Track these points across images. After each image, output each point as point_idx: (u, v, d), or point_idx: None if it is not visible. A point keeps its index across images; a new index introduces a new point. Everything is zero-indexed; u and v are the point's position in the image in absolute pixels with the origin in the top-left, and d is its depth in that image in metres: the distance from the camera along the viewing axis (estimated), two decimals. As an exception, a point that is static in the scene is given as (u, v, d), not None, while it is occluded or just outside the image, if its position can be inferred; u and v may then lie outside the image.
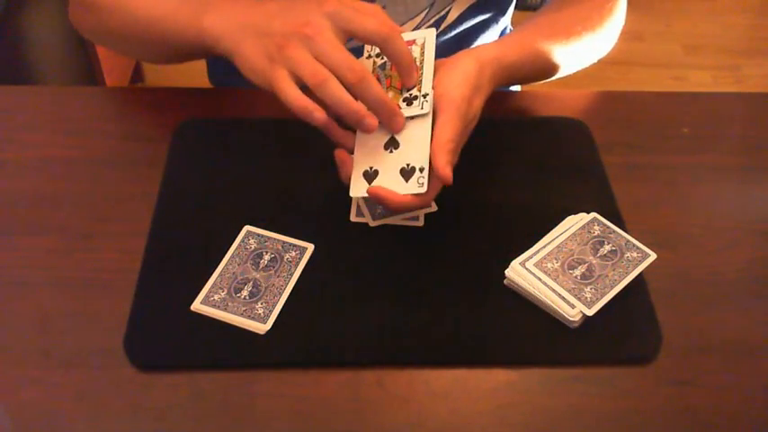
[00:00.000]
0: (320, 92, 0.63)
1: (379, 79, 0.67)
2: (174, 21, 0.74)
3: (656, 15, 2.52)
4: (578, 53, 0.83)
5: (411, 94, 0.66)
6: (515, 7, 1.00)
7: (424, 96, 0.66)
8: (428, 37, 0.69)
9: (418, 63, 0.67)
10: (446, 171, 0.62)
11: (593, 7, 0.83)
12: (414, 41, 0.69)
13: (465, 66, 0.68)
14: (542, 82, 0.86)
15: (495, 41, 0.79)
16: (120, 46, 0.87)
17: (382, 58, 0.69)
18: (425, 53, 0.68)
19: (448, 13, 0.89)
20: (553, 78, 0.85)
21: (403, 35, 0.67)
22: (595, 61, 0.87)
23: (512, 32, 0.83)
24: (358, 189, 0.65)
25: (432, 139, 0.64)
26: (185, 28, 0.73)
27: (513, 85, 0.78)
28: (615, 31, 0.87)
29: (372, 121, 0.64)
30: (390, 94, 0.67)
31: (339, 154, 0.67)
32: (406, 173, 0.64)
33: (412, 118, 0.66)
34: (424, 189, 0.63)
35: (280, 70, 0.64)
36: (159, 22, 0.76)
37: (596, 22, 0.83)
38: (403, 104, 0.66)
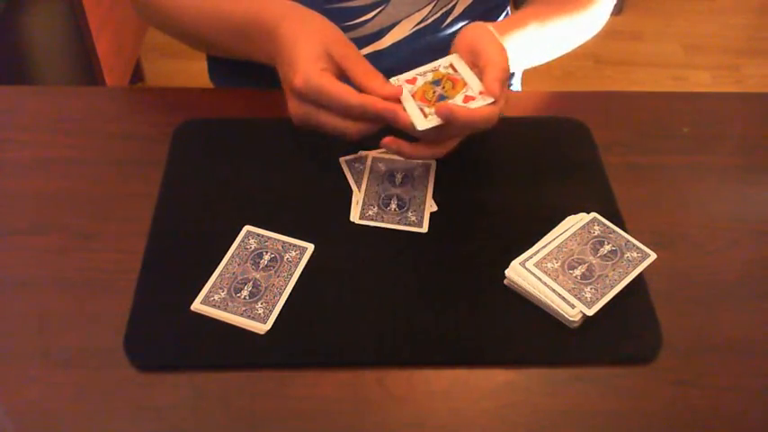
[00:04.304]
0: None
1: (435, 93, 0.71)
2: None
3: (656, 15, 2.52)
4: (571, 31, 0.87)
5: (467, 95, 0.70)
6: (515, 7, 1.01)
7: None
8: (453, 60, 0.74)
9: (456, 77, 0.72)
10: (494, 86, 0.67)
11: None
12: (438, 68, 0.73)
13: (489, 33, 0.73)
14: (542, 68, 0.89)
15: (494, 23, 0.82)
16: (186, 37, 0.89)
17: (431, 75, 0.73)
18: (458, 68, 0.72)
19: (454, 6, 0.89)
20: (550, 59, 0.88)
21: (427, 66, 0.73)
22: (589, 38, 0.90)
23: (508, 16, 0.88)
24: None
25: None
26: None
27: (516, 67, 0.80)
28: (606, 8, 0.90)
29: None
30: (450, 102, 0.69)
31: (387, 107, 0.68)
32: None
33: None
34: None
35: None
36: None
37: (587, 2, 0.87)
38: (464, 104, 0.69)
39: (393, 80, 0.72)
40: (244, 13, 0.77)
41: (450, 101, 0.69)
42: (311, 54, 0.69)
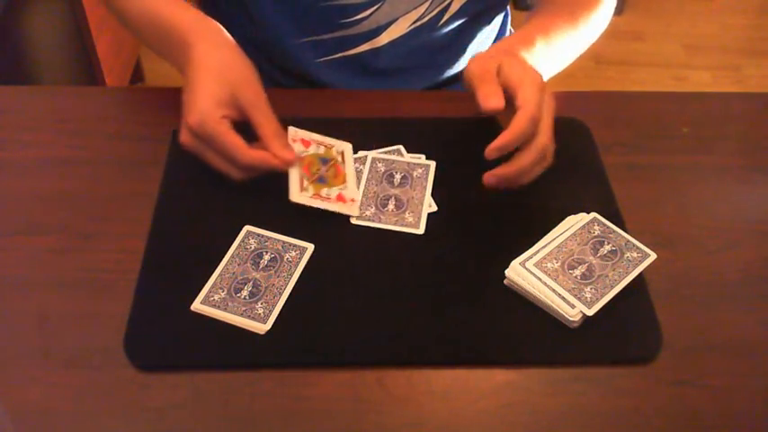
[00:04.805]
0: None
1: (318, 171, 0.72)
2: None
3: (656, 15, 2.52)
4: (583, 36, 0.88)
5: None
6: (515, 7, 1.01)
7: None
8: (346, 150, 0.75)
9: (341, 169, 0.73)
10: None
11: None
12: (332, 147, 0.75)
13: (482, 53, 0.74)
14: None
15: (517, 42, 0.83)
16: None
17: (323, 150, 0.74)
18: (347, 162, 0.74)
19: (450, 4, 0.89)
20: (563, 66, 0.88)
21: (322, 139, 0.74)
22: (595, 40, 0.91)
23: (520, 28, 0.89)
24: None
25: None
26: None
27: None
28: (609, 10, 0.92)
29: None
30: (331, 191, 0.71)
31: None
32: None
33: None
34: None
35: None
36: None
37: (592, 5, 0.89)
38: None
39: (291, 130, 0.72)
40: (170, 21, 0.76)
41: (325, 190, 0.70)
42: (214, 96, 0.68)
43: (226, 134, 0.68)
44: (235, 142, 0.68)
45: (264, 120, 0.70)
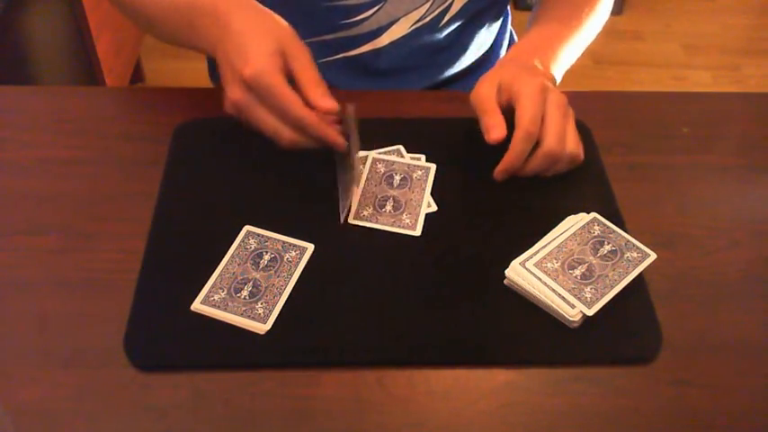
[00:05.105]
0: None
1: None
2: None
3: (656, 15, 2.53)
4: (589, 33, 0.90)
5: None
6: (515, 7, 1.01)
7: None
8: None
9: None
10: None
11: None
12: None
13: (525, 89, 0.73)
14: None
15: (532, 44, 0.85)
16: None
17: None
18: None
19: (451, 4, 0.89)
20: (566, 69, 0.90)
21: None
22: (594, 38, 0.94)
23: (529, 31, 0.90)
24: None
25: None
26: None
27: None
28: (607, 8, 0.94)
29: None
30: None
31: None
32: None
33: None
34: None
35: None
36: None
37: (592, 4, 0.91)
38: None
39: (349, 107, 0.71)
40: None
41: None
42: (266, 49, 0.68)
43: (283, 86, 0.67)
44: (290, 95, 0.67)
45: (306, 74, 0.69)
